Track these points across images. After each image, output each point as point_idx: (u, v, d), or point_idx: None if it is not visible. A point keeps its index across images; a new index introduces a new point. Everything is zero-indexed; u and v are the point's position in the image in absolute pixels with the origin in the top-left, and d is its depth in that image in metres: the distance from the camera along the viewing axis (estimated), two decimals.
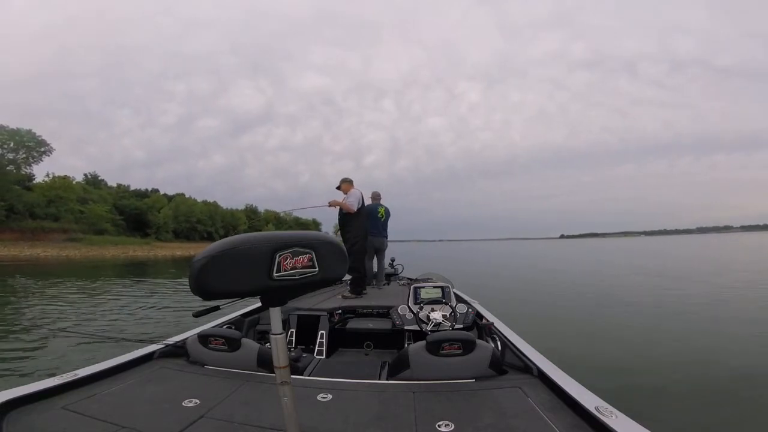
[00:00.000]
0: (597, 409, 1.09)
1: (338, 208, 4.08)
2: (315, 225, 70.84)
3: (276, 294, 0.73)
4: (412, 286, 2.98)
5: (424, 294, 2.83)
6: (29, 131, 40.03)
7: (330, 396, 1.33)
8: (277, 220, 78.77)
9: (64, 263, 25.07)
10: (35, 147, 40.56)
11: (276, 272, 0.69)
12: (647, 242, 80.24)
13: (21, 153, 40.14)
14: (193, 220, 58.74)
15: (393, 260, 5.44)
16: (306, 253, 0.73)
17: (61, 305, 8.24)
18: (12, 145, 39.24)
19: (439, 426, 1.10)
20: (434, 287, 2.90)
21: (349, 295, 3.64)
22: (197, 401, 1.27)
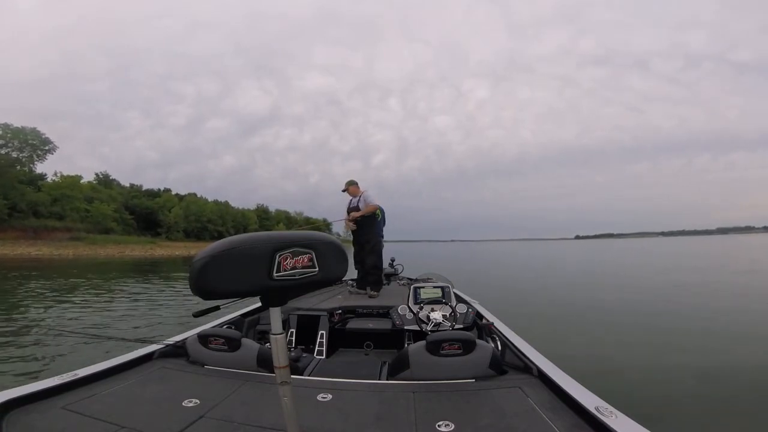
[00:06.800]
0: (597, 409, 1.08)
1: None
2: (325, 224, 71.00)
3: (276, 294, 0.73)
4: (412, 286, 2.98)
5: (424, 294, 2.83)
6: (33, 129, 40.10)
7: (330, 396, 1.33)
8: (288, 220, 78.81)
9: (54, 262, 24.42)
10: (39, 145, 40.63)
11: (276, 272, 0.69)
12: (665, 243, 79.25)
13: (25, 152, 40.21)
14: (204, 219, 58.83)
15: (393, 260, 5.44)
16: (306, 253, 0.73)
17: (58, 305, 8.26)
18: (16, 143, 39.32)
19: (439, 426, 1.10)
20: (434, 287, 2.90)
21: (373, 293, 3.70)
22: (197, 401, 1.27)
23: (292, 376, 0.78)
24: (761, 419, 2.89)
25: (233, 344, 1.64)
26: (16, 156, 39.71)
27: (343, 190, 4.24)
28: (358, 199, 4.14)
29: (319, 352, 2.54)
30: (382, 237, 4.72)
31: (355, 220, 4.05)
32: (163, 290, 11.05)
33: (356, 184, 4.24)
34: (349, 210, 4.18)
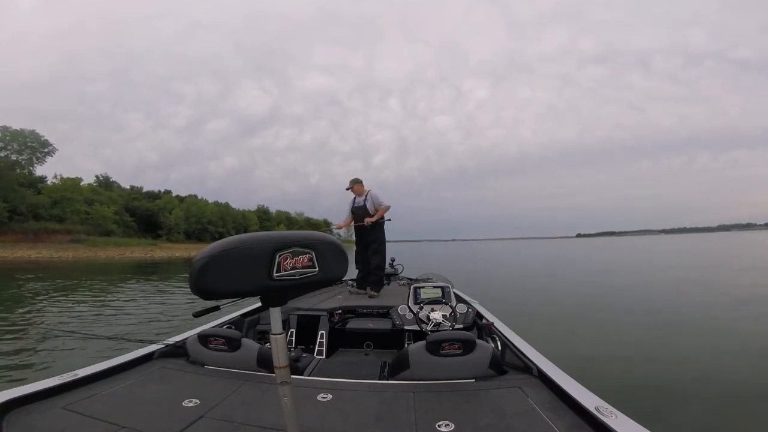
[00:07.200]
0: (597, 409, 1.08)
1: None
2: (326, 225, 71.31)
3: (276, 294, 0.73)
4: (412, 286, 2.98)
5: (424, 294, 2.83)
6: (33, 132, 39.98)
7: (330, 396, 1.33)
8: (288, 221, 79.13)
9: (54, 264, 24.28)
10: (39, 148, 40.57)
11: (276, 272, 0.69)
12: (667, 241, 78.63)
13: (24, 154, 40.17)
14: (204, 221, 58.67)
15: (393, 260, 5.45)
16: (306, 253, 0.73)
17: (58, 305, 8.26)
18: (15, 146, 39.26)
19: (439, 426, 1.10)
20: (434, 287, 2.90)
21: (373, 293, 3.70)
22: (197, 401, 1.27)
23: (292, 376, 0.78)
24: (762, 419, 2.89)
25: (233, 344, 1.64)
26: (15, 158, 39.67)
27: (348, 189, 4.12)
28: (364, 199, 4.03)
29: (319, 352, 2.54)
30: None
31: (363, 221, 3.98)
32: (163, 291, 11.05)
33: (361, 182, 4.12)
34: (354, 210, 4.08)
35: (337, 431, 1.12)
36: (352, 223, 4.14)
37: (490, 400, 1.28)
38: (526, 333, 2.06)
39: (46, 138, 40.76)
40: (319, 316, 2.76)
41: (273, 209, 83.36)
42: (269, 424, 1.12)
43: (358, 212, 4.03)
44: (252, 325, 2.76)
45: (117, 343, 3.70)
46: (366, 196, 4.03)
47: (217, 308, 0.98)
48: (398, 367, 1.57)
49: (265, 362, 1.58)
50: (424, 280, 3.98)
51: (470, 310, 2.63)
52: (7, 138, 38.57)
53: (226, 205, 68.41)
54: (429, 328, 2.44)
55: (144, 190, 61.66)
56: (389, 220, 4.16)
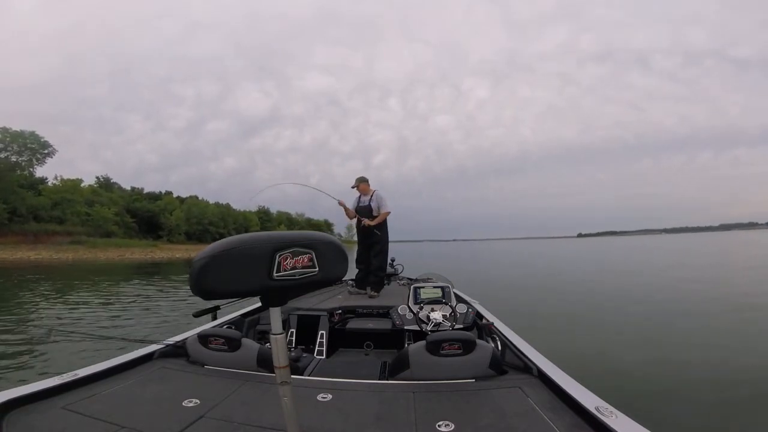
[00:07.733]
0: (597, 409, 1.08)
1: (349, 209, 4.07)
2: (327, 226, 71.21)
3: (276, 294, 0.73)
4: (412, 286, 2.98)
5: (424, 294, 2.83)
6: (32, 133, 40.00)
7: (330, 396, 1.33)
8: (289, 221, 79.21)
9: (54, 265, 24.28)
10: (38, 149, 40.57)
11: (276, 272, 0.69)
12: (669, 240, 78.55)
13: (24, 155, 40.18)
14: (205, 222, 58.64)
15: (393, 260, 5.44)
16: (306, 253, 0.73)
17: (58, 306, 8.26)
18: (15, 147, 39.26)
19: (439, 426, 1.10)
20: (434, 287, 2.90)
21: (373, 293, 3.67)
22: (197, 401, 1.27)
23: (292, 376, 0.78)
24: (763, 419, 2.89)
25: (233, 344, 1.64)
26: (15, 160, 39.65)
27: (353, 187, 4.07)
28: (370, 198, 3.98)
29: (319, 352, 2.54)
30: None
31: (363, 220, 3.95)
32: (164, 291, 11.05)
33: (367, 181, 4.07)
34: (358, 209, 4.05)
35: (337, 431, 1.12)
36: (354, 222, 4.12)
37: (490, 400, 1.28)
38: (526, 333, 2.06)
39: (45, 139, 40.83)
40: (319, 316, 2.76)
41: (273, 210, 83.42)
42: (269, 424, 1.12)
43: (362, 212, 4.00)
44: (252, 325, 2.76)
45: (117, 343, 3.69)
46: (372, 196, 3.99)
47: (217, 308, 0.98)
48: (398, 367, 1.57)
49: (265, 362, 1.58)
50: (424, 280, 3.98)
51: (470, 310, 2.63)
52: (7, 139, 38.54)
53: (227, 206, 68.42)
54: (429, 328, 2.44)
55: (145, 191, 61.71)
56: (377, 232, 4.04)
